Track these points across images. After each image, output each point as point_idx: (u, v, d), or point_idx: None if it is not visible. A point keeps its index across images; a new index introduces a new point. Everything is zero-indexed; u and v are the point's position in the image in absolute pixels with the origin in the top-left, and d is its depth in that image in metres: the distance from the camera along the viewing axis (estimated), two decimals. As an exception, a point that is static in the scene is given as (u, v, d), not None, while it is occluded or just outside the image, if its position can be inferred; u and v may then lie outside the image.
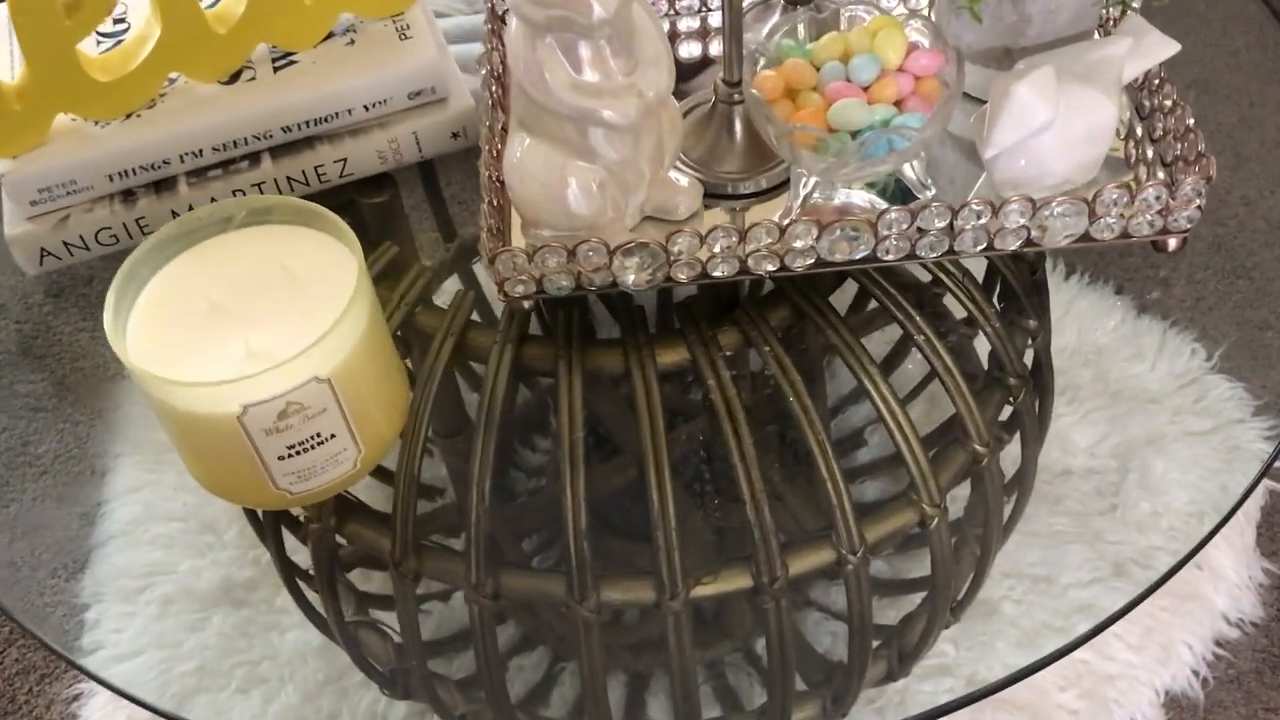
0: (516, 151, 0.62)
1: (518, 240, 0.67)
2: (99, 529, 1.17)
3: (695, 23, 0.79)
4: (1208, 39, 1.26)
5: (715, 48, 0.78)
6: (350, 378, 0.56)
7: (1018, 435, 0.82)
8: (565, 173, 0.61)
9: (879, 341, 1.02)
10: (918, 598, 0.85)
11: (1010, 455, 0.80)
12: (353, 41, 0.73)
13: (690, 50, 0.78)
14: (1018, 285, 0.78)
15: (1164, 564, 0.97)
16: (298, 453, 0.56)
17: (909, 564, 1.02)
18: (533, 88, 0.58)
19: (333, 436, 0.57)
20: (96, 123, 0.69)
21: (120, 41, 0.71)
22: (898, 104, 0.62)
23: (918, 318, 0.69)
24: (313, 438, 0.56)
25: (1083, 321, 1.20)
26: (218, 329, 0.57)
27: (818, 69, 0.64)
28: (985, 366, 0.79)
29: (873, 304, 0.72)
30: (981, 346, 0.76)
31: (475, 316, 0.72)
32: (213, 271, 0.59)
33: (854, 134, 0.61)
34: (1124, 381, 1.17)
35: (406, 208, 0.78)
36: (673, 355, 0.70)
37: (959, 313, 0.74)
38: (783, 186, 0.69)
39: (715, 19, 0.79)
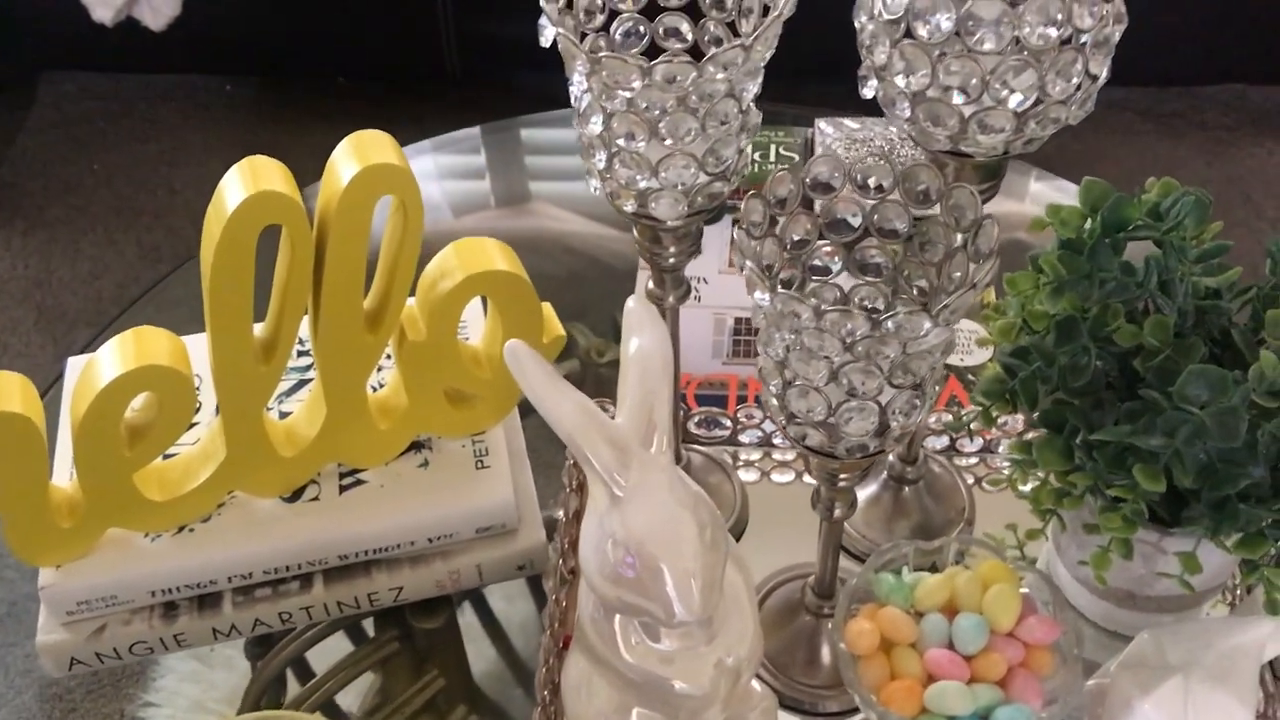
0: (574, 674, 0.57)
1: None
2: None
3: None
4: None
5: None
6: None
7: None
8: (627, 713, 0.56)
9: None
10: None
11: None
12: (426, 463, 0.68)
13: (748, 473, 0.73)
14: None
15: None
16: None
17: None
18: (601, 643, 0.53)
19: None
20: (146, 534, 0.66)
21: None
22: (1003, 680, 0.56)
23: None
24: None
25: None
26: None
27: (921, 614, 0.58)
28: None
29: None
30: None
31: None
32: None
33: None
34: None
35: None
36: None
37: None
38: (866, 706, 0.62)
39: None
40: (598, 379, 0.83)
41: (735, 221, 0.46)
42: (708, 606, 0.49)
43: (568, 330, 0.67)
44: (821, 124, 0.96)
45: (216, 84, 1.92)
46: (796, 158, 0.95)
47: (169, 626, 0.66)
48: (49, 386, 0.82)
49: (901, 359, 0.45)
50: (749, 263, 0.44)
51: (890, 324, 0.42)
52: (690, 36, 0.53)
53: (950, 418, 0.73)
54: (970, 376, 0.79)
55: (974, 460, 0.73)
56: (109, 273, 1.66)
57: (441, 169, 1.05)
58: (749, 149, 0.52)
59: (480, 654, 0.71)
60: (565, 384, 0.50)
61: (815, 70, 1.14)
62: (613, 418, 0.51)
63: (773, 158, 0.95)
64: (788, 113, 0.98)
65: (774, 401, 0.50)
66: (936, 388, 0.49)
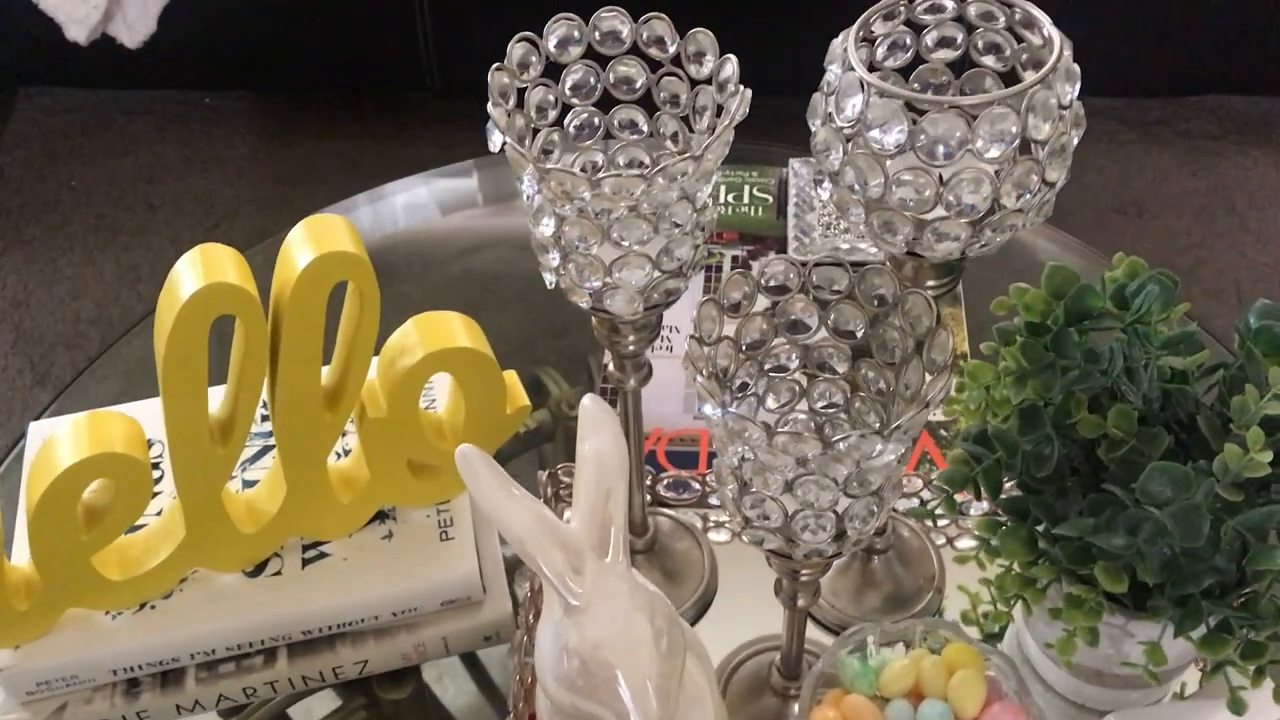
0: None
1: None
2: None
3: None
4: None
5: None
6: None
7: None
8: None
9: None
10: None
11: None
12: (390, 535, 0.68)
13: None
14: None
15: None
16: None
17: None
18: (559, 741, 0.53)
19: None
20: (107, 611, 0.65)
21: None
22: (968, 769, 0.55)
23: None
24: None
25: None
26: None
27: (886, 700, 0.57)
28: None
29: None
30: None
31: None
32: None
33: (915, 810, 0.54)
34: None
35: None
36: None
37: None
38: (833, 784, 0.62)
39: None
40: (568, 431, 0.82)
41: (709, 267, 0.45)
42: (665, 715, 0.49)
43: (539, 377, 0.67)
44: (795, 164, 0.95)
45: (195, 98, 1.90)
46: (770, 199, 0.94)
47: (131, 704, 0.66)
48: (13, 445, 0.81)
49: (857, 473, 0.44)
50: (699, 377, 0.43)
51: (842, 445, 0.41)
52: (645, 128, 0.52)
53: (920, 481, 0.72)
54: (943, 431, 0.79)
55: (944, 522, 0.72)
56: (88, 293, 1.65)
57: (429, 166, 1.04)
58: (705, 244, 0.51)
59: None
60: (518, 490, 0.49)
61: (790, 99, 1.13)
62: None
63: (746, 199, 0.94)
64: (761, 151, 0.98)
65: (731, 504, 0.49)
66: (895, 491, 0.48)
